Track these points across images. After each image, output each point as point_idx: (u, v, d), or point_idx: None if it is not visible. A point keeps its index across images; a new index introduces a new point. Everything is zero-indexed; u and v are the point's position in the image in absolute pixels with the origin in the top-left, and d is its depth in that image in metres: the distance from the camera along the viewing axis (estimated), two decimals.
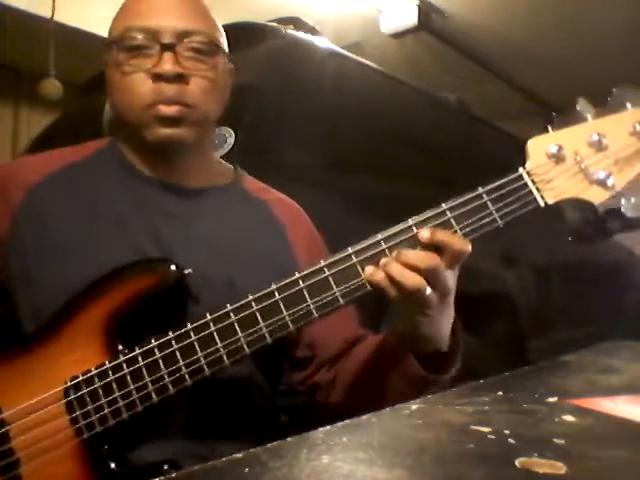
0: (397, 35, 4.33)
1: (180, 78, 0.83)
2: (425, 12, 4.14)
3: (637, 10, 3.74)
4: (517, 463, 0.43)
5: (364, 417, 0.55)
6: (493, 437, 0.49)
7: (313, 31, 1.93)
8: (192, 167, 0.91)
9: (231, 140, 1.40)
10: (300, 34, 1.80)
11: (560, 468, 0.42)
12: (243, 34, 1.68)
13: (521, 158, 0.75)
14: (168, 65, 0.82)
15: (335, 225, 1.03)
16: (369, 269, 0.71)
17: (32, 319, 0.82)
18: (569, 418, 0.56)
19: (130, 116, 0.85)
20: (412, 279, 0.68)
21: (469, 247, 0.71)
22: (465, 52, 4.72)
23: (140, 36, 0.83)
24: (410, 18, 4.15)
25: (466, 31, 4.43)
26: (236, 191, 0.96)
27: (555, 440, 0.48)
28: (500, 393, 0.67)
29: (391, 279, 0.69)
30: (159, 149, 0.87)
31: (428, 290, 0.69)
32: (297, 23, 1.88)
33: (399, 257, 0.70)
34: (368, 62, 2.04)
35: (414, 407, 0.59)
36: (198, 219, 0.89)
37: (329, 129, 1.73)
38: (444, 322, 0.75)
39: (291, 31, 1.76)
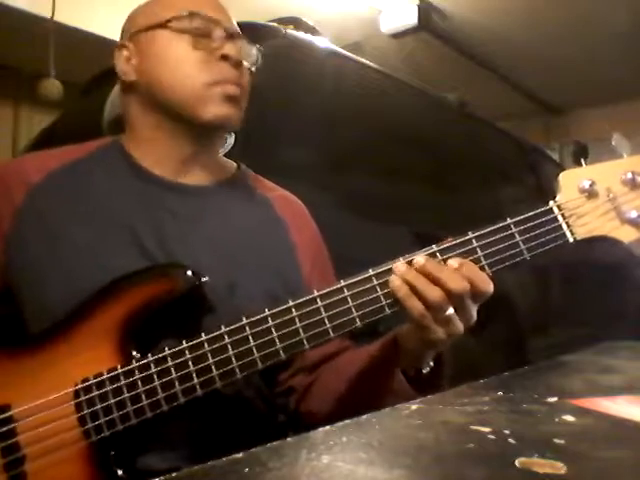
0: (397, 35, 4.33)
1: (240, 65, 0.88)
2: (425, 12, 4.15)
3: (636, 11, 3.74)
4: (517, 463, 0.43)
5: (364, 417, 0.55)
6: (493, 437, 0.49)
7: (313, 31, 1.93)
8: (198, 164, 0.92)
9: (231, 140, 1.40)
10: (300, 34, 1.80)
11: (560, 468, 0.42)
12: (243, 34, 1.68)
13: (520, 159, 0.75)
14: (235, 49, 0.87)
15: (335, 225, 1.03)
16: (396, 281, 0.70)
17: (37, 318, 0.82)
18: (569, 418, 0.56)
19: (187, 93, 0.85)
20: (436, 295, 0.68)
21: (492, 288, 0.70)
22: (465, 52, 4.72)
23: (203, 20, 0.87)
24: (410, 18, 4.15)
25: (466, 31, 4.44)
26: (239, 188, 0.96)
27: (555, 440, 0.48)
28: (500, 393, 0.67)
29: (414, 290, 0.69)
30: (207, 129, 0.88)
31: (451, 310, 0.69)
32: (297, 23, 1.88)
33: (429, 270, 0.69)
34: (368, 62, 2.04)
35: (414, 407, 0.59)
36: (201, 217, 0.89)
37: (329, 129, 1.73)
38: (437, 350, 0.76)
39: (291, 31, 1.76)
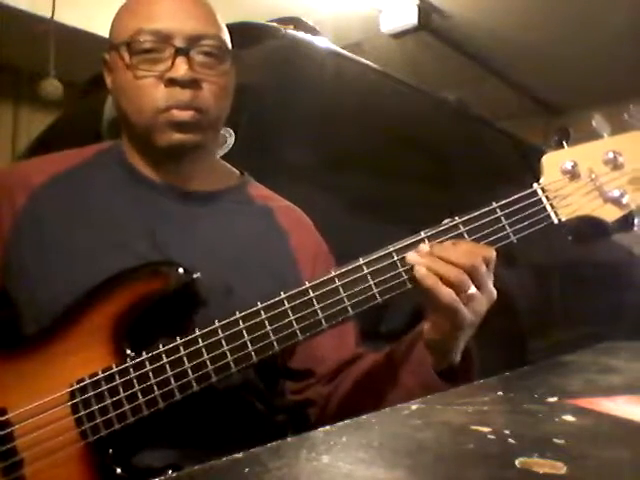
0: (397, 35, 4.34)
1: (193, 83, 0.83)
2: (425, 12, 4.16)
3: (636, 10, 3.74)
4: (517, 463, 0.43)
5: (364, 417, 0.55)
6: (493, 437, 0.49)
7: (313, 31, 1.94)
8: (196, 170, 0.91)
9: (231, 140, 1.40)
10: (300, 34, 1.80)
11: (560, 468, 0.42)
12: (243, 34, 1.68)
13: (520, 158, 0.75)
14: (182, 70, 0.81)
15: (334, 225, 1.03)
16: (421, 270, 0.70)
17: (34, 320, 0.82)
18: (569, 418, 0.56)
19: (140, 120, 0.84)
20: (457, 273, 0.68)
21: (494, 252, 0.70)
22: (465, 52, 4.73)
23: (152, 39, 0.82)
24: (410, 18, 4.16)
25: (466, 31, 4.44)
26: (240, 196, 0.96)
27: (555, 440, 0.48)
28: (500, 393, 0.67)
29: (438, 275, 0.69)
30: (168, 153, 0.87)
31: (473, 288, 0.69)
32: (297, 23, 1.89)
33: (438, 253, 0.70)
34: (368, 62, 2.04)
35: (414, 407, 0.59)
36: (199, 223, 0.88)
37: (329, 129, 1.73)
38: (467, 336, 0.75)
39: (291, 31, 1.76)
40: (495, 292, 0.72)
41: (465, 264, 0.69)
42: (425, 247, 0.71)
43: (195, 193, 0.91)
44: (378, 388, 0.82)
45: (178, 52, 0.82)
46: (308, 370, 0.89)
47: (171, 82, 0.82)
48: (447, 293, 0.69)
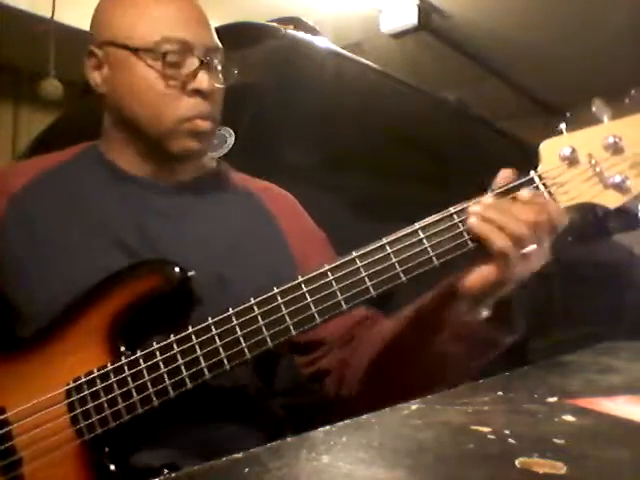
0: (397, 35, 4.33)
1: (212, 95, 0.86)
2: (425, 12, 4.15)
3: (636, 10, 3.74)
4: (517, 463, 0.43)
5: (364, 417, 0.55)
6: (493, 437, 0.49)
7: (313, 31, 1.93)
8: (183, 168, 0.92)
9: (231, 140, 1.40)
10: (300, 34, 1.80)
11: (560, 468, 0.42)
12: (243, 34, 1.68)
13: (521, 159, 0.74)
14: (206, 82, 0.84)
15: (335, 225, 1.03)
16: (473, 220, 0.68)
17: (29, 321, 0.83)
18: (569, 418, 0.56)
19: (156, 125, 0.85)
20: (519, 227, 0.66)
21: (566, 220, 0.68)
22: (465, 52, 4.72)
23: (177, 48, 0.83)
24: (410, 18, 4.15)
25: (466, 31, 4.43)
26: (222, 184, 0.96)
27: (555, 440, 0.48)
28: (500, 393, 0.67)
29: (498, 227, 0.67)
30: (176, 158, 0.88)
31: (531, 245, 0.67)
32: (297, 23, 1.89)
33: (502, 206, 0.68)
34: (368, 62, 2.04)
35: (414, 407, 0.59)
36: (186, 214, 0.89)
37: (329, 129, 1.73)
38: (504, 292, 0.72)
39: (291, 31, 1.76)
40: (547, 255, 0.69)
41: (528, 219, 0.66)
42: (488, 199, 0.70)
43: (178, 185, 0.91)
44: (402, 345, 0.80)
45: (202, 64, 0.84)
46: (316, 341, 0.89)
47: (195, 93, 0.84)
48: (502, 239, 0.67)
